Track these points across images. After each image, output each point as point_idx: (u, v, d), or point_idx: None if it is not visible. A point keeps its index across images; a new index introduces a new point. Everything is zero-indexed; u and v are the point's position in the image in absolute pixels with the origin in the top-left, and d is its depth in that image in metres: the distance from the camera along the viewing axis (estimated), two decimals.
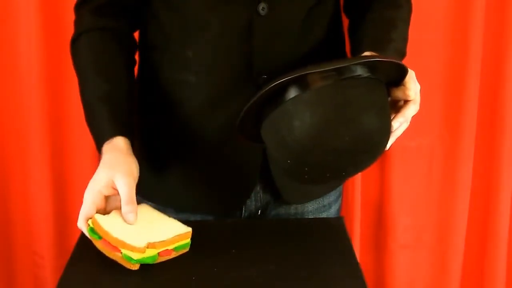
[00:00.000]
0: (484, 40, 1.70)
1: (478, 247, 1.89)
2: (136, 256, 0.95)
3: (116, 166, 1.02)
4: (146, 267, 0.97)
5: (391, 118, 0.99)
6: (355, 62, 0.91)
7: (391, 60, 0.94)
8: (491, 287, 1.89)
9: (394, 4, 1.14)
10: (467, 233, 1.86)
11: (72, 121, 1.69)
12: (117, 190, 1.00)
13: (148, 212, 1.06)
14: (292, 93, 0.90)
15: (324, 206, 1.26)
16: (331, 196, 1.27)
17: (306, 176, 0.96)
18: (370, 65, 0.92)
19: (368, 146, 0.94)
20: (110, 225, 0.98)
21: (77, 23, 1.15)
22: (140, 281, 0.96)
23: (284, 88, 0.90)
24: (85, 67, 1.12)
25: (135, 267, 0.96)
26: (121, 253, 0.96)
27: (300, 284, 0.96)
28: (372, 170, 1.80)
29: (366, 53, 1.02)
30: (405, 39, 1.13)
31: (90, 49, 1.12)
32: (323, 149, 0.91)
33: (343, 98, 0.91)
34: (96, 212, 0.99)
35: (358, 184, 1.77)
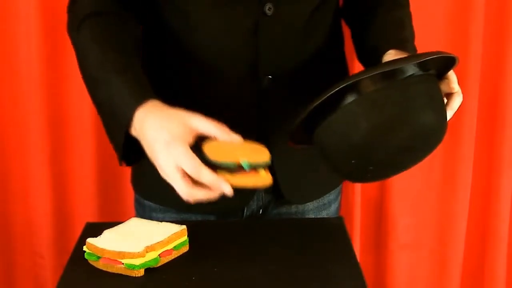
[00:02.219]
0: (484, 40, 1.70)
1: (478, 247, 1.88)
2: (138, 262, 0.96)
3: (174, 114, 0.96)
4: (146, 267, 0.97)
5: None
6: (411, 62, 0.94)
7: (443, 55, 0.96)
8: (491, 287, 1.89)
9: (397, 5, 1.16)
10: (467, 233, 1.86)
11: (72, 121, 1.69)
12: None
13: (139, 222, 1.08)
14: (350, 97, 0.93)
15: (324, 204, 1.26)
16: (331, 195, 1.28)
17: (369, 175, 1.00)
18: (423, 64, 0.94)
19: (428, 142, 0.98)
20: (104, 242, 0.99)
21: (77, 7, 1.10)
22: (140, 281, 0.96)
23: (339, 93, 0.92)
24: (97, 45, 1.05)
25: (140, 273, 0.96)
26: (123, 264, 0.96)
27: (300, 284, 0.96)
28: None
29: (391, 51, 1.04)
30: (414, 37, 1.16)
31: (99, 30, 1.06)
32: (387, 147, 0.94)
33: (405, 97, 0.93)
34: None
35: (358, 184, 1.77)
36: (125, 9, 1.11)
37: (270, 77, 1.09)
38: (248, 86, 1.10)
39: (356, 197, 1.78)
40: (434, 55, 0.94)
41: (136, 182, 1.26)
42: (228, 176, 0.93)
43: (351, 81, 0.91)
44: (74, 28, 1.08)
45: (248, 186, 0.95)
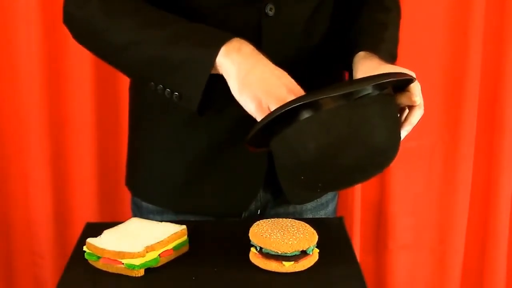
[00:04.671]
0: (484, 40, 1.70)
1: (478, 247, 1.89)
2: (137, 261, 0.96)
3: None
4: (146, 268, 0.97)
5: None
6: (367, 85, 0.92)
7: (399, 78, 0.95)
8: (491, 287, 1.89)
9: (383, 8, 1.16)
10: (467, 233, 1.86)
11: (72, 121, 1.69)
12: None
13: (139, 222, 1.08)
14: (305, 113, 0.91)
15: (322, 204, 1.27)
16: (329, 195, 1.28)
17: (319, 190, 1.01)
18: (381, 84, 0.93)
19: (380, 161, 0.97)
20: (104, 242, 0.99)
21: None
22: (140, 281, 0.96)
23: (295, 109, 0.91)
24: (128, 9, 1.01)
25: (140, 273, 0.96)
26: (123, 263, 0.96)
27: (300, 284, 0.96)
28: None
29: (360, 53, 1.03)
30: (395, 42, 1.13)
31: (123, 6, 1.02)
32: (338, 167, 0.93)
33: (357, 118, 0.92)
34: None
35: (358, 185, 1.77)
36: None
37: None
38: None
39: (356, 197, 1.78)
40: (389, 78, 0.93)
41: (132, 183, 1.26)
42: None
43: (305, 101, 0.90)
44: (82, 2, 1.03)
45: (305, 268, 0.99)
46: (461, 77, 1.72)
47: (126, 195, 1.70)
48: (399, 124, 0.99)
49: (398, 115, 0.99)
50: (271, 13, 1.06)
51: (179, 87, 0.98)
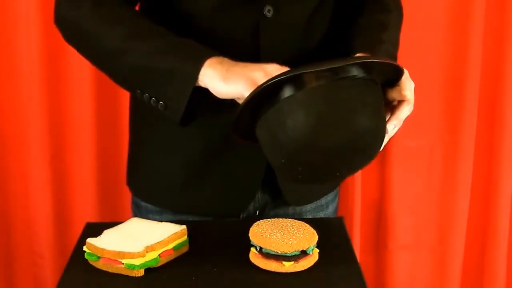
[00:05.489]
0: (484, 40, 1.70)
1: (478, 247, 1.89)
2: (137, 261, 0.96)
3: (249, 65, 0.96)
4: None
5: (386, 119, 0.99)
6: (350, 63, 0.91)
7: (385, 61, 0.94)
8: (491, 287, 1.89)
9: (384, 9, 1.15)
10: (467, 233, 1.86)
11: (72, 121, 1.69)
12: None
13: (139, 222, 1.08)
14: (287, 92, 0.90)
15: (321, 205, 1.26)
16: (329, 196, 1.28)
17: (299, 176, 0.96)
18: (366, 66, 0.92)
19: (360, 147, 0.94)
20: (104, 242, 0.99)
21: None
22: (140, 281, 0.96)
23: (279, 87, 0.90)
24: (123, 18, 1.02)
25: (140, 273, 0.96)
26: (123, 263, 0.96)
27: (300, 284, 0.96)
28: (372, 170, 1.80)
29: (359, 55, 1.02)
30: (396, 43, 1.12)
31: (119, 17, 1.02)
32: (316, 149, 0.91)
33: (337, 98, 0.91)
34: None
35: (358, 184, 1.77)
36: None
37: None
38: None
39: (356, 197, 1.78)
40: (376, 59, 0.92)
41: (133, 183, 1.26)
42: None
43: (287, 76, 0.89)
44: (75, 5, 1.04)
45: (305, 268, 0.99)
46: (461, 77, 1.72)
47: (126, 195, 1.70)
48: (381, 113, 0.97)
49: (383, 106, 0.97)
50: (269, 15, 1.06)
51: (164, 97, 0.98)
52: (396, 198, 1.81)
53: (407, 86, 0.98)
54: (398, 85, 0.98)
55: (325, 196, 1.27)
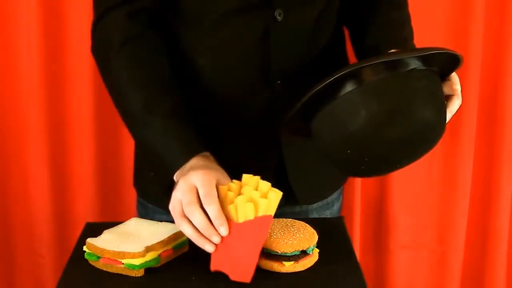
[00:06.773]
0: (484, 40, 1.70)
1: (478, 247, 1.88)
2: (138, 262, 0.96)
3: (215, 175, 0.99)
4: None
5: None
6: (416, 55, 0.93)
7: (446, 51, 0.95)
8: (491, 287, 1.89)
9: (396, 5, 1.17)
10: (467, 233, 1.86)
11: (72, 121, 1.69)
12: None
13: (139, 222, 1.08)
14: (350, 86, 0.92)
15: (327, 203, 1.27)
16: (334, 194, 1.28)
17: (363, 167, 0.98)
18: (426, 58, 0.93)
19: (426, 138, 0.97)
20: (104, 242, 0.99)
21: (111, 27, 1.07)
22: (140, 281, 0.96)
23: (339, 82, 0.92)
24: (138, 80, 1.06)
25: (140, 273, 0.96)
26: (123, 264, 0.96)
27: (300, 283, 0.96)
28: None
29: (392, 51, 1.04)
30: (413, 37, 1.16)
31: (138, 59, 1.06)
32: (385, 139, 0.93)
33: (408, 89, 0.93)
34: None
35: (358, 184, 1.77)
36: (152, 23, 1.09)
37: (279, 82, 1.10)
38: (259, 92, 1.11)
39: (356, 197, 1.78)
40: (438, 50, 0.93)
41: (139, 185, 1.26)
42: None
43: (352, 69, 0.91)
44: (107, 53, 1.07)
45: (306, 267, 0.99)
46: (461, 77, 1.70)
47: (126, 195, 1.71)
48: (445, 105, 0.99)
49: (443, 97, 1.00)
50: (279, 18, 1.07)
51: (155, 170, 1.05)
52: (396, 198, 1.80)
53: (457, 80, 1.00)
54: (449, 79, 1.00)
55: (330, 195, 1.27)
